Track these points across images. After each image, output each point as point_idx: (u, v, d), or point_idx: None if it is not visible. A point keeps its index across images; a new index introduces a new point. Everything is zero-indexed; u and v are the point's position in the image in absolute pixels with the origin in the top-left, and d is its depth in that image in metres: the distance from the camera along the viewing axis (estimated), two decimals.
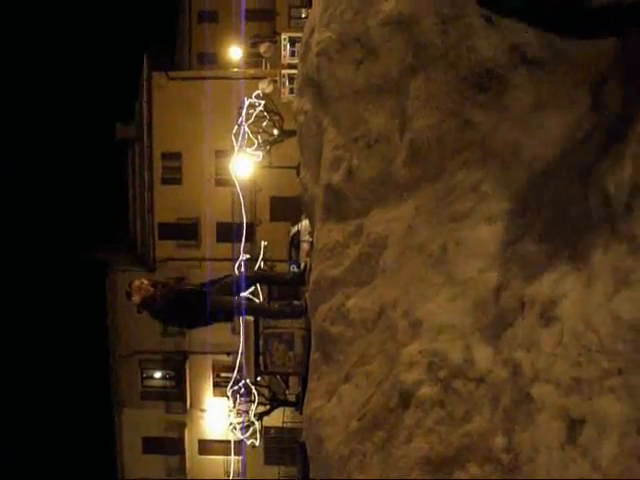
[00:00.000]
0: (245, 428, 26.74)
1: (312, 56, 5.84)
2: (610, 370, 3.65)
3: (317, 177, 5.98)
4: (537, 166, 4.42)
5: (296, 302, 5.97)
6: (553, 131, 4.35)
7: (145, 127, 34.78)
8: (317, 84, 5.80)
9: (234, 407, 26.44)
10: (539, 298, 4.01)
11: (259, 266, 24.49)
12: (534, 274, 4.18)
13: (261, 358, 24.42)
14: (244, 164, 25.26)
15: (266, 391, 27.10)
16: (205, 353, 35.72)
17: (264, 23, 36.96)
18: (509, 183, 4.53)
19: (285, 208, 28.84)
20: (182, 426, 37.07)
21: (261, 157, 25.50)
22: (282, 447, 33.43)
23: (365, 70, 5.36)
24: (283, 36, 28.60)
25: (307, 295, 6.08)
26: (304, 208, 6.83)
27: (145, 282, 7.26)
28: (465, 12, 4.63)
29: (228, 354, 31.67)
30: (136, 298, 7.34)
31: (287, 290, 26.92)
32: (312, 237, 7.12)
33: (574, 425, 3.68)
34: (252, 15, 37.11)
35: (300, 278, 6.18)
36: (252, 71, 32.58)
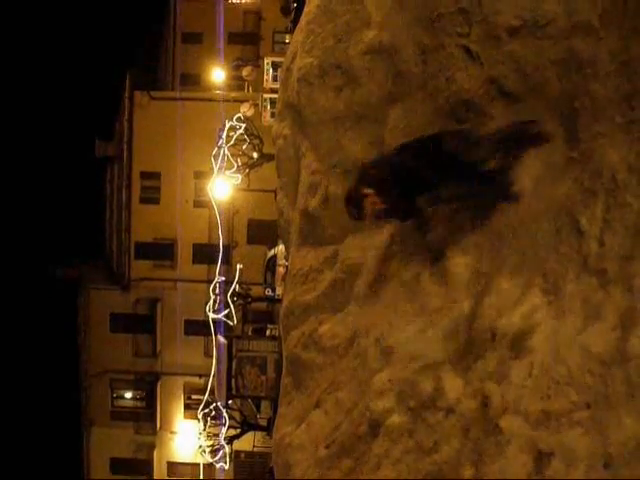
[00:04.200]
0: (215, 451, 26.50)
1: (293, 81, 5.86)
2: (579, 403, 3.66)
3: (294, 202, 5.98)
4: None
5: None
6: (529, 163, 4.38)
7: (125, 145, 34.65)
8: (297, 109, 5.81)
9: (204, 430, 26.22)
10: (510, 330, 4.02)
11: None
12: (506, 305, 4.19)
13: (233, 381, 24.28)
14: (223, 186, 25.25)
15: (237, 414, 26.91)
16: (177, 374, 35.43)
17: (248, 47, 37.04)
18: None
19: (262, 231, 28.81)
20: (151, 447, 36.62)
21: (240, 180, 25.50)
22: (252, 471, 33.14)
23: (345, 97, 5.38)
24: (266, 60, 28.72)
25: (279, 320, 6.04)
26: (280, 232, 6.82)
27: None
28: (445, 43, 4.67)
29: (200, 376, 31.43)
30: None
31: (265, 314, 26.84)
32: (287, 261, 7.09)
33: (542, 457, 3.68)
34: (236, 38, 37.22)
35: None
36: (234, 94, 32.59)
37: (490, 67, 4.47)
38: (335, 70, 5.42)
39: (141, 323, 35.42)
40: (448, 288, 4.55)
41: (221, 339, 24.82)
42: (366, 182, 4.48)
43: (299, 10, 8.77)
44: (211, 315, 24.33)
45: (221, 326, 24.73)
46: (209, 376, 26.17)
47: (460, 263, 4.61)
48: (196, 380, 33.50)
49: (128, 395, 37.95)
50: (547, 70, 4.23)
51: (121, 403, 38.01)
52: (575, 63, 4.08)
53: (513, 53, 4.35)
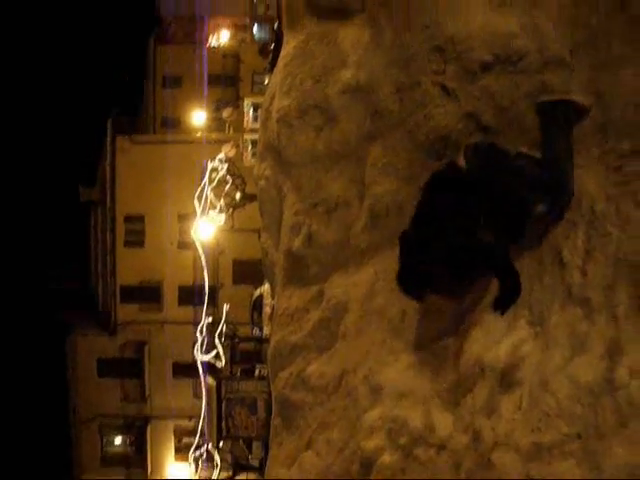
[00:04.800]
0: None
1: (272, 122, 5.89)
2: (570, 435, 3.66)
3: (277, 242, 5.98)
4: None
5: None
6: None
7: (108, 190, 34.79)
8: (277, 150, 5.83)
9: (196, 473, 25.97)
10: (498, 364, 4.02)
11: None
12: (493, 339, 4.20)
13: (223, 423, 24.11)
14: (206, 227, 25.28)
15: (229, 456, 26.69)
16: (167, 418, 35.19)
17: (228, 88, 37.40)
18: None
19: (247, 271, 28.83)
20: None
21: (223, 220, 25.54)
22: None
23: (325, 137, 5.41)
24: (246, 101, 29.07)
25: (267, 361, 6.03)
26: (265, 273, 6.82)
27: None
28: (421, 81, 4.73)
29: (190, 418, 31.19)
30: None
31: (253, 354, 26.72)
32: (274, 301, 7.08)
33: None
34: (216, 80, 37.58)
35: None
36: (215, 135, 32.86)
37: (467, 103, 4.52)
38: (314, 110, 5.46)
39: (129, 367, 35.28)
40: (435, 323, 4.56)
41: (210, 380, 24.70)
42: (417, 255, 4.09)
43: (276, 51, 8.88)
44: (199, 357, 24.22)
45: (209, 367, 24.61)
46: (199, 418, 26.02)
47: (446, 297, 4.63)
48: (186, 422, 33.31)
49: (118, 440, 37.66)
50: (522, 103, 4.28)
51: (111, 448, 37.70)
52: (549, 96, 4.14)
53: (488, 88, 4.41)
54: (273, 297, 6.90)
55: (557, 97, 4.04)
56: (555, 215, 4.07)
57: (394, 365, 4.65)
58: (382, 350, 4.79)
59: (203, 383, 24.63)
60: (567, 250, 3.98)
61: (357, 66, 5.19)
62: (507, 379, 3.96)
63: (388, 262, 4.97)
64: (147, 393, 35.42)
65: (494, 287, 4.32)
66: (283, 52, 6.07)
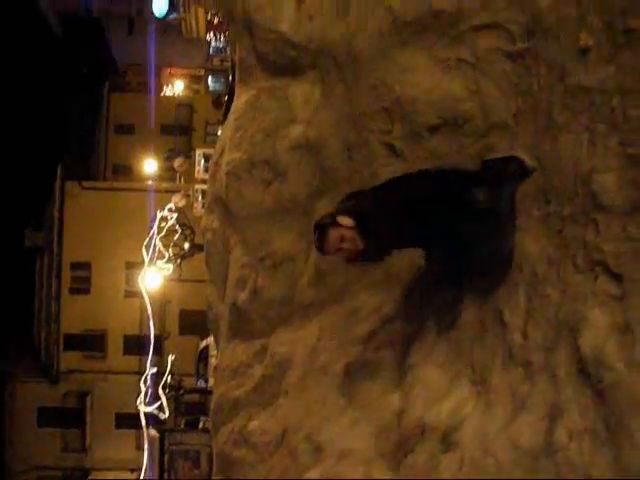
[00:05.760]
0: None
1: (221, 175, 5.90)
2: None
3: (223, 295, 5.95)
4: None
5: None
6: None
7: (55, 236, 34.33)
8: (225, 203, 5.84)
9: None
10: (439, 424, 4.02)
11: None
12: (435, 398, 4.20)
13: (166, 475, 23.61)
14: (154, 277, 25.01)
15: None
16: (108, 469, 34.34)
17: (180, 138, 37.41)
18: (410, 306, 4.60)
19: (194, 321, 28.48)
20: None
21: (171, 270, 25.32)
22: None
23: (273, 191, 5.43)
24: (197, 152, 29.06)
25: (209, 415, 5.96)
26: (209, 325, 6.76)
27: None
28: (369, 139, 4.78)
29: (132, 471, 30.48)
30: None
31: (198, 406, 26.32)
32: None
33: None
34: (169, 130, 37.60)
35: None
36: (166, 184, 32.75)
37: (413, 163, 4.57)
38: (263, 165, 5.49)
39: (70, 417, 34.43)
40: (377, 381, 4.55)
41: (153, 432, 24.20)
42: (345, 211, 3.96)
43: (230, 103, 8.93)
44: (142, 408, 23.75)
45: (153, 419, 24.14)
46: (141, 470, 25.42)
47: (389, 355, 4.64)
48: (128, 475, 32.47)
49: None
50: (468, 165, 4.35)
51: None
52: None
53: (435, 150, 4.47)
54: (217, 350, 6.84)
55: (505, 155, 4.12)
56: (492, 266, 4.13)
57: (337, 422, 4.62)
58: (325, 407, 4.76)
59: (146, 434, 24.11)
60: (508, 311, 4.01)
61: (307, 123, 5.24)
62: (448, 440, 3.96)
63: (333, 318, 4.97)
64: (88, 444, 34.58)
65: (438, 342, 4.34)
66: (234, 106, 6.10)
